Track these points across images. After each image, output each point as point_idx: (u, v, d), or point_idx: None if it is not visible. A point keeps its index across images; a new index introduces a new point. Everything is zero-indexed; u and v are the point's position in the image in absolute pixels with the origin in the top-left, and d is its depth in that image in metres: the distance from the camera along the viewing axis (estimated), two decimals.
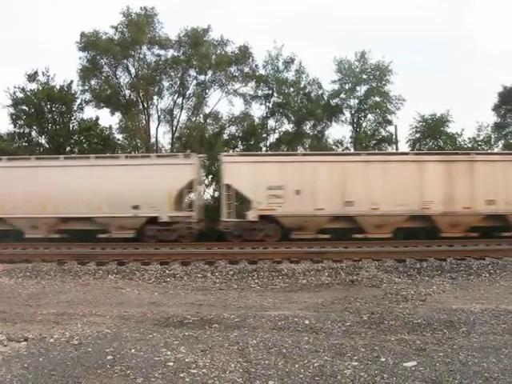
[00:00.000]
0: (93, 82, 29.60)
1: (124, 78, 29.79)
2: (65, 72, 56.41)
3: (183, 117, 30.35)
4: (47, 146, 28.71)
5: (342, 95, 30.41)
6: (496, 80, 53.00)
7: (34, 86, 29.03)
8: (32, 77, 28.99)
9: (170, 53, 29.49)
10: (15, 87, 28.68)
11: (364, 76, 29.96)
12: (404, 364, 4.76)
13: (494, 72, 55.71)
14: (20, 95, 28.75)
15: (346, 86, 30.27)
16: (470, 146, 28.20)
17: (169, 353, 5.15)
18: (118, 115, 30.00)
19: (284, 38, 60.79)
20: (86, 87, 29.50)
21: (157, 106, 30.06)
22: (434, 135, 28.99)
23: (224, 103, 36.46)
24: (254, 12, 65.15)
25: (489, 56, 62.89)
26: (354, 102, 30.49)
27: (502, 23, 70.46)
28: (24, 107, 28.79)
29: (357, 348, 5.28)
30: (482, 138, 29.22)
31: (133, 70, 29.54)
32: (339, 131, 31.03)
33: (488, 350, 5.18)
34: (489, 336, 5.72)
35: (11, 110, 28.76)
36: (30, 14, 68.03)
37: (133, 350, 5.22)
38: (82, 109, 29.82)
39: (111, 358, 4.95)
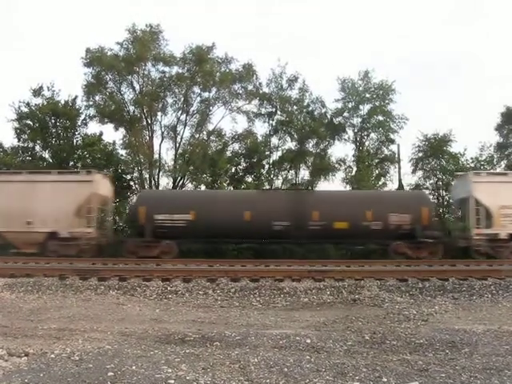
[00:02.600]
0: (97, 98, 29.65)
1: (128, 94, 29.91)
2: (67, 76, 56.40)
3: (187, 133, 30.39)
4: (51, 160, 28.79)
5: (345, 114, 30.48)
6: (499, 99, 52.93)
7: (38, 100, 29.25)
8: (37, 91, 29.17)
9: (175, 70, 29.68)
10: (20, 102, 28.91)
11: (367, 95, 30.09)
12: None
13: (497, 91, 55.62)
14: (25, 110, 28.94)
15: (349, 105, 30.39)
16: (472, 165, 28.24)
17: (170, 370, 5.13)
18: (121, 131, 30.04)
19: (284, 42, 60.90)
20: (91, 102, 29.60)
21: (160, 123, 30.11)
22: (436, 154, 29.03)
23: (227, 120, 36.49)
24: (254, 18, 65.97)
25: (493, 77, 62.99)
26: (357, 120, 30.54)
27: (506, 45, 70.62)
28: (28, 122, 28.92)
29: (358, 368, 5.25)
30: (484, 157, 29.26)
31: (137, 86, 29.68)
32: (342, 150, 31.10)
33: (491, 371, 5.14)
34: (491, 357, 5.69)
35: (16, 124, 28.94)
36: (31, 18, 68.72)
37: (134, 367, 5.20)
38: (86, 124, 29.94)
39: (112, 375, 4.92)
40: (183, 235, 18.96)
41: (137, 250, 19.05)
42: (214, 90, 29.74)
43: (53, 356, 5.67)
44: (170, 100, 29.92)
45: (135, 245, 19.26)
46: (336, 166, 30.21)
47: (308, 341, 6.44)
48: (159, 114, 29.95)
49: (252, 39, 55.94)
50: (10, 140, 32.48)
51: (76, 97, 29.61)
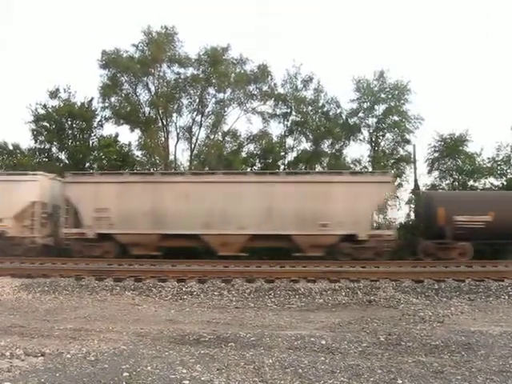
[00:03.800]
0: (113, 99, 29.94)
1: (144, 96, 30.16)
2: (83, 78, 56.65)
3: (202, 134, 30.55)
4: (67, 161, 29.06)
5: (361, 114, 30.32)
6: None
7: (55, 102, 29.55)
8: (53, 93, 29.50)
9: (190, 71, 29.83)
10: (37, 104, 29.27)
11: (382, 95, 29.91)
12: None
13: None
14: (41, 111, 29.26)
15: (365, 105, 30.22)
16: (489, 165, 27.97)
17: (184, 371, 5.14)
18: (137, 132, 30.28)
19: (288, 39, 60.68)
20: (107, 104, 29.91)
21: (176, 124, 30.31)
22: (452, 155, 28.78)
23: (242, 121, 36.53)
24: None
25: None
26: (372, 121, 30.37)
27: None
28: (45, 123, 29.24)
29: (373, 369, 5.22)
30: (501, 157, 28.94)
31: (152, 88, 29.89)
32: (357, 150, 30.85)
33: (507, 373, 5.09)
34: (508, 359, 5.63)
35: (33, 125, 29.29)
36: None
37: (149, 368, 5.22)
38: (101, 125, 30.31)
39: (127, 375, 4.94)
40: (480, 236, 18.89)
41: (435, 251, 19.16)
42: (228, 90, 29.90)
43: (69, 356, 5.72)
44: (185, 101, 30.16)
45: (433, 246, 19.33)
46: (351, 166, 30.10)
47: (323, 342, 6.43)
48: (174, 115, 30.19)
49: (252, 39, 55.76)
50: (27, 141, 32.94)
51: (92, 98, 30.02)
